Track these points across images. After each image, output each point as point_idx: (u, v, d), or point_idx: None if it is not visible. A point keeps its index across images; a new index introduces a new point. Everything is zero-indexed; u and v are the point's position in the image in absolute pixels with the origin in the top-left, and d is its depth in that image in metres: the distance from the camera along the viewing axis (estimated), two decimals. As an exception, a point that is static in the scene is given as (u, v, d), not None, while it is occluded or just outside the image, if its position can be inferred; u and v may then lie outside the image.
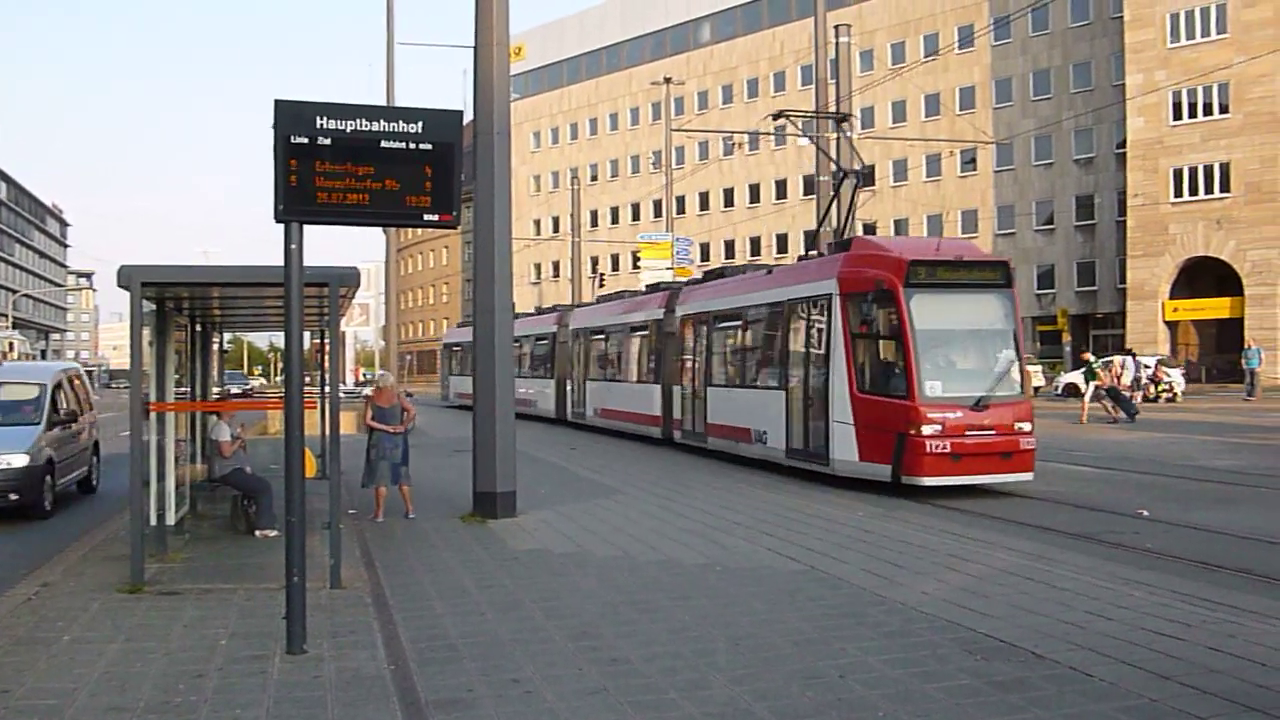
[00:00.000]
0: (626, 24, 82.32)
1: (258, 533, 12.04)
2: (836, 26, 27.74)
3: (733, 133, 60.29)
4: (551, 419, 33.19)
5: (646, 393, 25.46)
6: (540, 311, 39.89)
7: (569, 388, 32.26)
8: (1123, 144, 52.85)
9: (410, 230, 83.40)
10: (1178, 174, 49.52)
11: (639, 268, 49.11)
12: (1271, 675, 6.40)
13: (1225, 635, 7.33)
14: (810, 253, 19.99)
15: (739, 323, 20.48)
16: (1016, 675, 6.49)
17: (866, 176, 21.32)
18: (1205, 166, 48.60)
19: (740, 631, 7.64)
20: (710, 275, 24.28)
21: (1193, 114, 48.93)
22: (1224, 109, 47.88)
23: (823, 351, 16.32)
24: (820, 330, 16.50)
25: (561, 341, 33.15)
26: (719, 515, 13.36)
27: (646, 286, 30.62)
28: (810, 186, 44.97)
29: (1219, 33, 47.79)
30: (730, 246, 74.49)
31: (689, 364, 22.77)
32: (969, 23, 60.05)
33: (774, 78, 72.35)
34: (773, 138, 63.44)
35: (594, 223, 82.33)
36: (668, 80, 54.35)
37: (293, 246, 7.32)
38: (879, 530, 12.17)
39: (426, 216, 7.47)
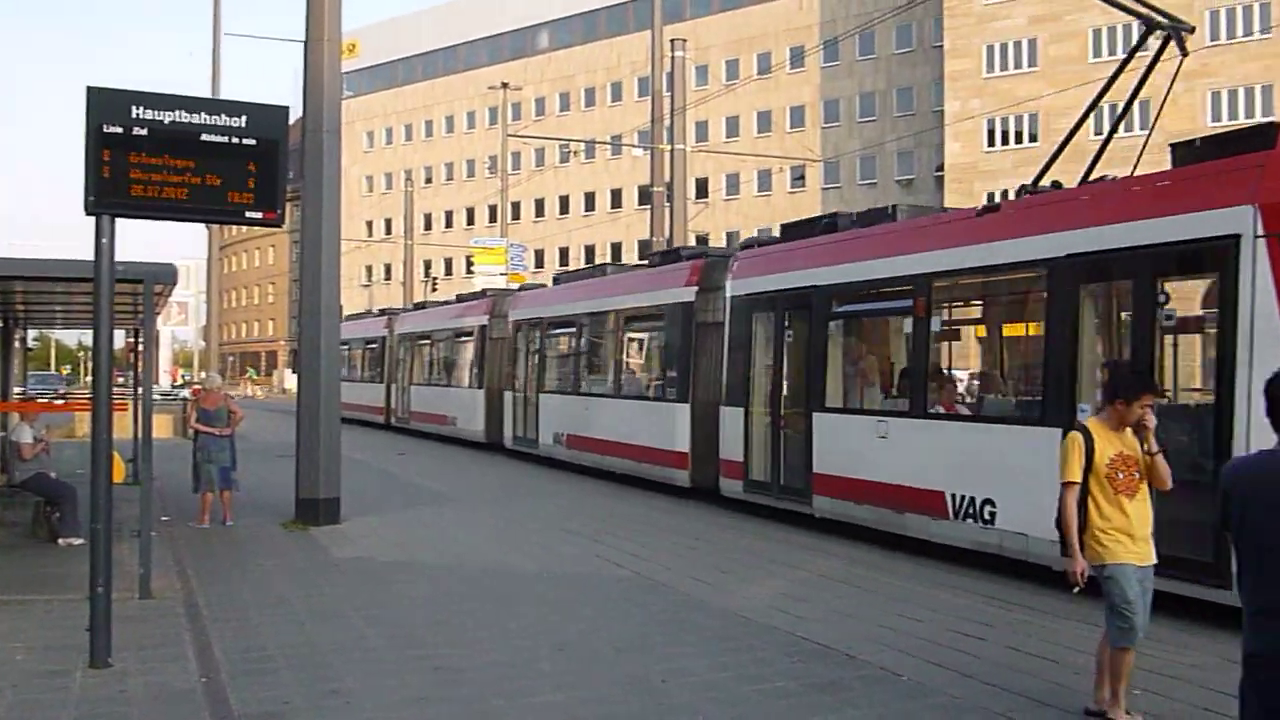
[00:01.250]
0: (464, 26, 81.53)
1: (61, 541, 11.40)
2: (672, 41, 28.16)
3: (570, 140, 60.40)
4: (381, 424, 32.38)
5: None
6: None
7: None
8: (941, 167, 55.27)
9: (234, 227, 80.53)
10: (990, 198, 51.96)
11: (472, 272, 48.69)
12: (1063, 671, 6.80)
13: (1023, 634, 7.77)
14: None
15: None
16: (832, 677, 6.71)
17: (700, 189, 21.64)
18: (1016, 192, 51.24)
19: (567, 638, 7.65)
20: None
21: (1005, 141, 51.55)
22: (1033, 138, 50.60)
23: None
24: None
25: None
26: (550, 522, 13.36)
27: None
28: (645, 197, 45.55)
29: (1030, 66, 50.54)
30: (565, 254, 74.57)
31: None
32: (800, 44, 61.83)
33: (611, 87, 72.88)
34: (609, 147, 63.92)
35: (427, 226, 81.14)
36: (505, 85, 54.14)
37: (104, 240, 6.98)
38: (708, 537, 12.39)
39: (249, 214, 7.23)
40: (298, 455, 13.25)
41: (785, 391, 13.53)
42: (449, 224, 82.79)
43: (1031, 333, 11.07)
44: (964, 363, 13.78)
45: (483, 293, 27.66)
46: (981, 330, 12.96)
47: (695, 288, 15.82)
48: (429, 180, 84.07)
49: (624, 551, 11.28)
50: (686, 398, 15.70)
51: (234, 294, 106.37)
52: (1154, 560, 5.90)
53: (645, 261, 19.97)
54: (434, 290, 61.25)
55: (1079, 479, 5.78)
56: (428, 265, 77.46)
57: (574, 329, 20.24)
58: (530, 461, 21.37)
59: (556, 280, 23.59)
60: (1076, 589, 5.83)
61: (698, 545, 11.82)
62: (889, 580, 9.85)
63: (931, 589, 9.45)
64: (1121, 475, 5.78)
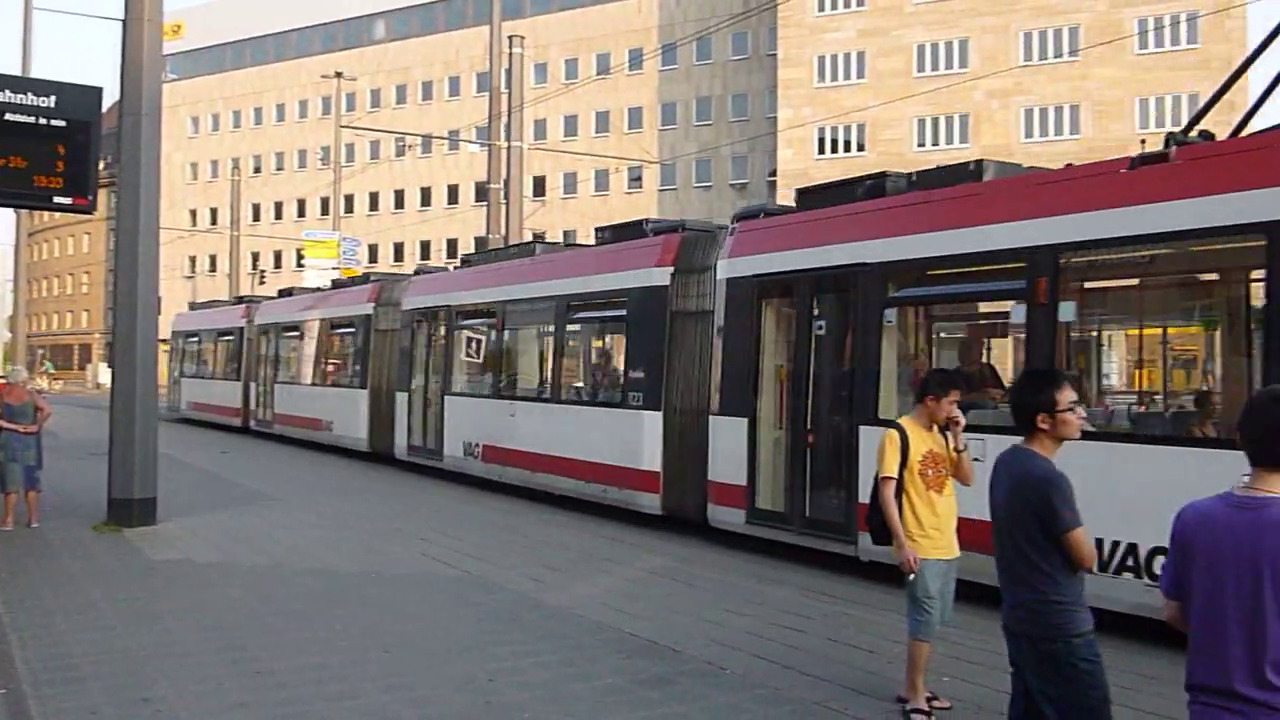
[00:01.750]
0: (297, 12, 79.12)
1: None
2: (511, 37, 28.01)
3: (405, 134, 59.40)
4: (238, 428, 28.63)
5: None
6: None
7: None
8: (774, 173, 56.63)
9: (45, 213, 76.16)
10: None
11: (303, 266, 47.36)
12: (877, 660, 7.09)
13: (842, 626, 8.06)
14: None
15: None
16: (659, 672, 6.82)
17: (538, 187, 20.97)
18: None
19: (394, 639, 7.55)
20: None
21: (834, 150, 53.17)
22: (861, 147, 52.36)
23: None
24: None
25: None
26: (381, 522, 13.13)
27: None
28: (482, 193, 45.23)
29: (859, 78, 52.30)
30: (400, 249, 73.29)
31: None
32: (639, 46, 62.39)
33: (449, 82, 71.99)
34: (445, 142, 63.10)
35: (256, 217, 78.44)
36: (339, 75, 52.77)
37: (-105, 224, 6.53)
38: (538, 535, 12.39)
39: (58, 200, 6.91)
40: (110, 453, 12.65)
41: (812, 400, 10.76)
42: (279, 215, 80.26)
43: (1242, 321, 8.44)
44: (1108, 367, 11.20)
45: (365, 277, 24.20)
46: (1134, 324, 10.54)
47: (670, 268, 12.91)
48: (258, 170, 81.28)
49: (454, 550, 11.18)
50: (658, 404, 12.92)
51: (44, 283, 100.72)
52: (957, 554, 6.21)
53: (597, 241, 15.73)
54: (262, 283, 59.32)
55: (895, 474, 6.06)
56: (255, 257, 74.88)
57: (494, 319, 16.74)
58: (432, 476, 18.23)
59: (466, 261, 19.79)
60: (911, 575, 6.09)
61: (529, 543, 11.81)
62: (717, 576, 10.05)
63: (758, 584, 9.69)
64: (931, 472, 6.08)
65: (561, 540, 12.04)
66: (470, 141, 54.56)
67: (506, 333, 16.73)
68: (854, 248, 10.30)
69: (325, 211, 70.22)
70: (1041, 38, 48.67)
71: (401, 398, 19.49)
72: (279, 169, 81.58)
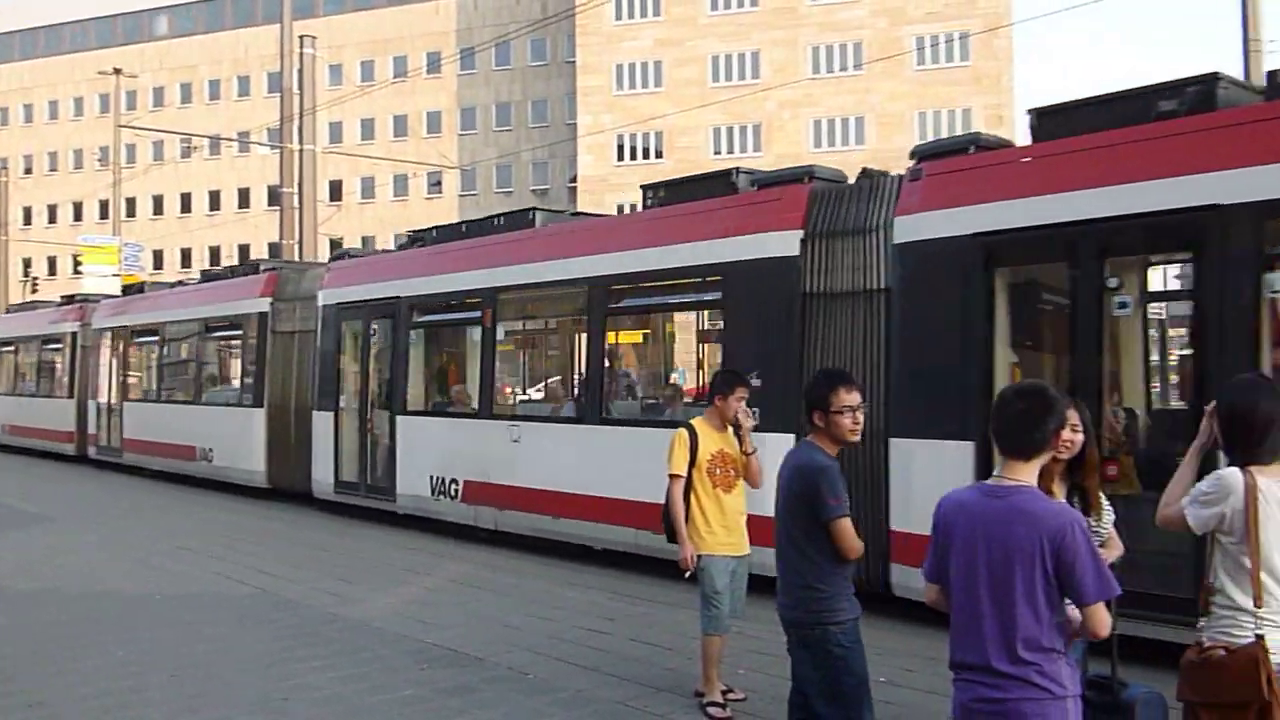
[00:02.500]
0: (71, 4, 74.66)
1: None
2: (303, 37, 27.23)
3: (191, 135, 56.81)
4: (72, 455, 23.21)
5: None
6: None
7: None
8: (575, 179, 56.97)
9: None
10: (621, 210, 54.37)
11: (80, 273, 44.69)
12: (677, 658, 7.26)
13: (643, 625, 8.20)
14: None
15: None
16: (461, 681, 6.78)
17: (334, 191, 19.82)
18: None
19: (184, 662, 7.24)
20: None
21: (633, 156, 53.94)
22: (659, 154, 53.29)
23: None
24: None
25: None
26: (165, 540, 12.54)
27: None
28: (275, 197, 43.71)
29: (656, 86, 53.24)
30: (187, 255, 70.04)
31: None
32: (437, 49, 61.66)
33: (238, 81, 69.32)
34: (235, 144, 60.74)
35: (27, 220, 73.46)
36: (118, 71, 50.03)
37: None
38: (335, 547, 12.11)
39: None
40: None
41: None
42: (53, 219, 75.43)
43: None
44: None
45: (255, 266, 18.56)
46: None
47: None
48: (29, 170, 76.17)
49: (247, 567, 10.80)
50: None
51: None
52: (747, 551, 6.41)
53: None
54: (34, 291, 55.59)
55: (684, 472, 6.22)
56: (27, 264, 70.15)
57: (479, 312, 12.70)
58: (377, 522, 13.89)
59: (418, 240, 14.98)
60: (688, 573, 6.26)
61: (324, 556, 11.52)
62: (519, 582, 10.07)
63: (560, 588, 9.76)
64: (720, 471, 6.26)
65: (359, 552, 11.80)
66: (261, 144, 52.68)
67: (500, 328, 12.73)
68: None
69: (104, 215, 66.44)
70: (828, 52, 50.72)
71: (323, 419, 15.05)
72: (52, 170, 76.73)
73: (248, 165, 67.82)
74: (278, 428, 16.26)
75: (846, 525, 4.39)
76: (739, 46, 52.02)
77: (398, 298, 13.82)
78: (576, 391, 11.97)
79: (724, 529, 6.26)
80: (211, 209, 70.61)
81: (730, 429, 6.40)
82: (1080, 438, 4.51)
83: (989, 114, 45.94)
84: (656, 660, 7.25)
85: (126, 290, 23.67)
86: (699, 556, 6.22)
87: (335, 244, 53.94)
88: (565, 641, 7.74)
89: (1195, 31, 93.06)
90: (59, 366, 24.26)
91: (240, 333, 17.56)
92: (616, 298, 11.16)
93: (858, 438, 4.58)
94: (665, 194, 11.21)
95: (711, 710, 6.09)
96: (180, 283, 22.95)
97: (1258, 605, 3.59)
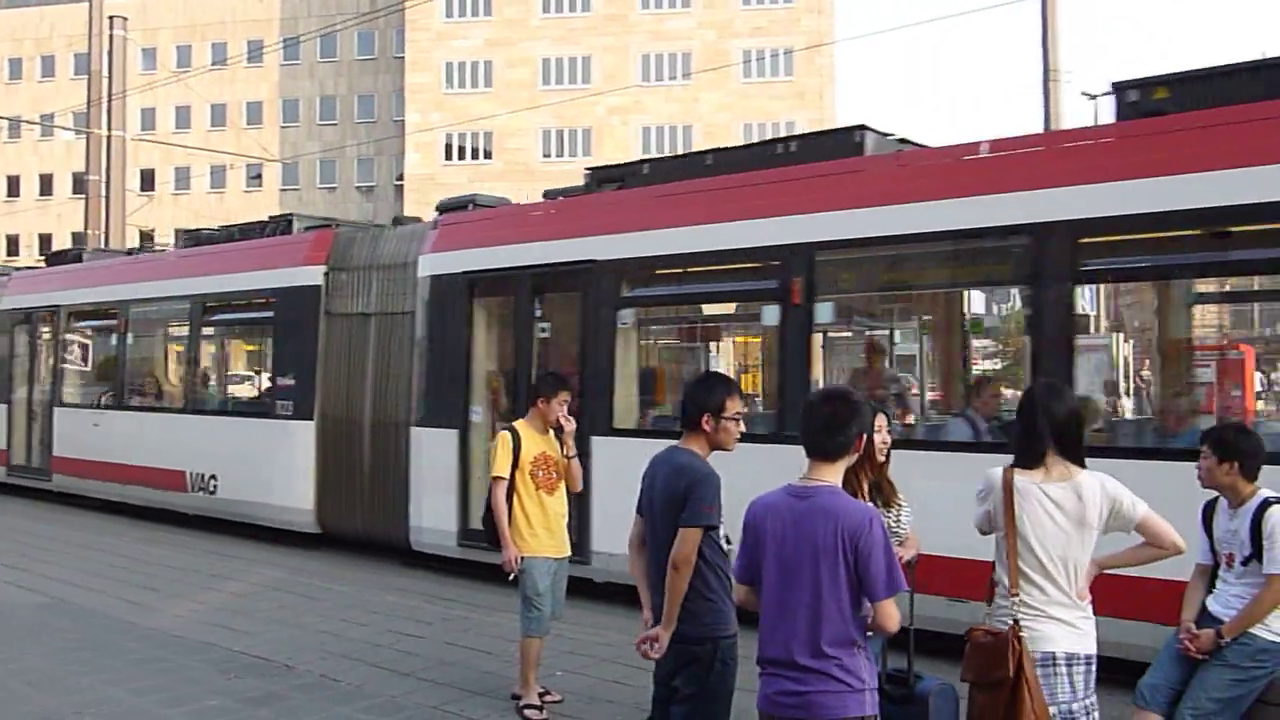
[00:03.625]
0: None
1: None
2: (113, 17, 25.94)
3: (-13, 115, 53.36)
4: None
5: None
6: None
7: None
8: (402, 176, 56.01)
9: None
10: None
11: None
12: (495, 661, 7.21)
13: (460, 629, 8.12)
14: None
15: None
16: (268, 689, 6.57)
17: (146, 181, 18.76)
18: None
19: (-38, 677, 6.78)
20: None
21: (461, 156, 53.39)
22: (488, 154, 52.94)
23: None
24: None
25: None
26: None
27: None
28: (81, 185, 41.10)
29: (486, 86, 52.84)
30: (-19, 243, 65.68)
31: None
32: (259, 38, 59.64)
33: (41, 60, 65.38)
34: (37, 128, 57.35)
35: None
36: (-97, 44, 46.58)
37: None
38: (136, 555, 11.56)
39: None
40: None
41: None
42: None
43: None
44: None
45: (288, 223, 13.66)
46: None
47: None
48: None
49: (41, 575, 10.20)
50: None
51: None
52: (567, 553, 6.45)
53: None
54: None
55: (506, 474, 6.20)
56: None
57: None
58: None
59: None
60: (511, 575, 6.24)
61: (125, 563, 10.98)
62: (334, 587, 9.82)
63: (377, 592, 9.57)
64: (543, 473, 6.28)
65: (162, 559, 11.29)
66: (65, 128, 49.91)
67: None
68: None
69: (-114, 198, 61.94)
70: (658, 60, 51.40)
71: (435, 438, 10.48)
72: None
73: (51, 150, 64.06)
74: (336, 449, 11.75)
75: (690, 534, 4.17)
76: (570, 50, 52.18)
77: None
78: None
79: (546, 531, 6.26)
80: (10, 195, 66.38)
81: (552, 432, 6.42)
82: (890, 439, 4.74)
83: (811, 127, 47.42)
84: (473, 664, 7.19)
85: (52, 260, 18.60)
86: (521, 558, 6.21)
87: (146, 235, 51.56)
88: (380, 647, 7.59)
89: (1003, 58, 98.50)
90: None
91: (270, 315, 12.86)
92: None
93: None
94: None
95: (529, 713, 6.09)
96: (141, 248, 19.62)
97: (1012, 594, 3.84)
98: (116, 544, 12.23)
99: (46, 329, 16.52)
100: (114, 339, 15.43)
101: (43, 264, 19.21)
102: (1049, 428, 3.88)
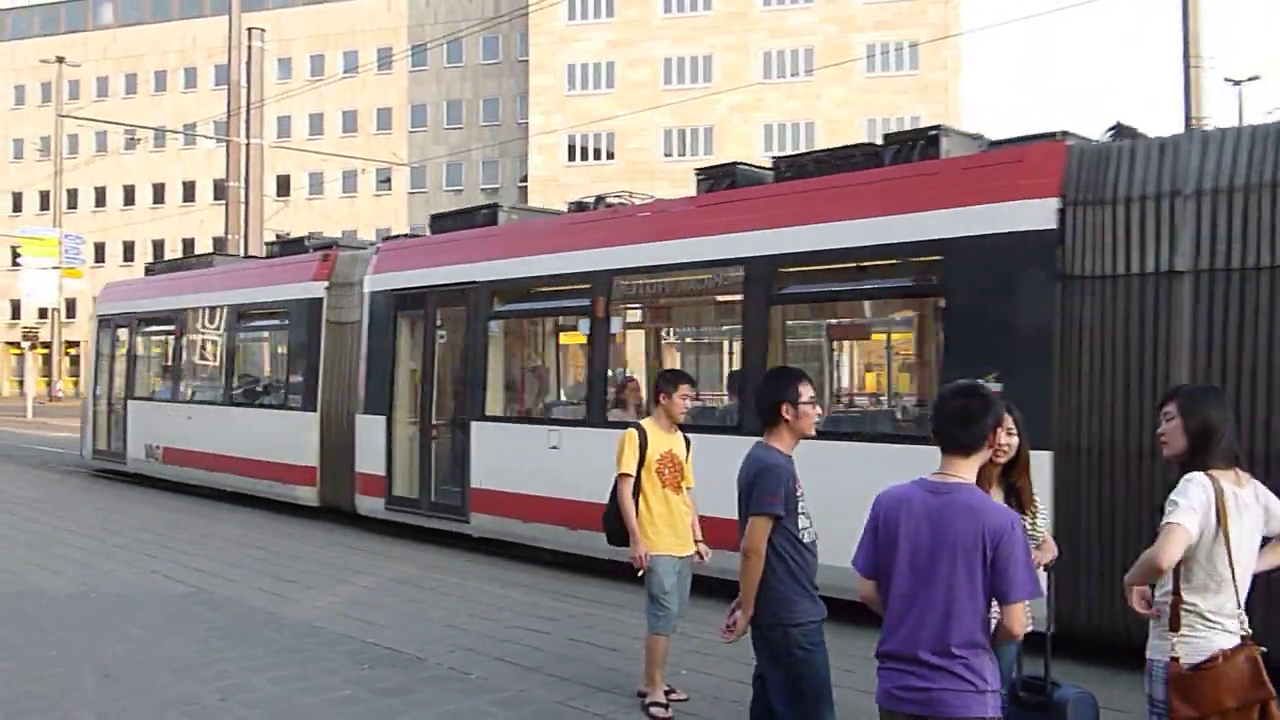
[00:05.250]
0: (11, -9, 73.15)
1: None
2: (251, 29, 26.94)
3: (136, 126, 56.04)
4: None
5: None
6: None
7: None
8: (525, 178, 56.84)
9: None
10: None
11: (19, 265, 43.80)
12: (618, 658, 7.24)
13: (585, 626, 8.17)
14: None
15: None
16: (399, 680, 6.72)
17: (281, 186, 19.95)
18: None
19: (114, 662, 7.10)
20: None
21: (584, 157, 53.94)
22: (610, 155, 53.34)
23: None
24: None
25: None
26: (99, 537, 12.31)
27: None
28: (221, 191, 42.84)
29: (607, 87, 53.26)
30: (130, 248, 68.91)
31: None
32: (388, 45, 61.22)
33: (185, 73, 68.28)
34: (180, 137, 59.88)
35: (-38, 210, 71.93)
36: (60, 59, 49.18)
37: None
38: (273, 547, 11.95)
39: None
40: None
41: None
42: (-11, 210, 73.86)
43: None
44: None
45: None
46: None
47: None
48: (-35, 160, 74.52)
49: (182, 565, 10.63)
50: None
51: None
52: (691, 551, 6.41)
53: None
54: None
55: (634, 471, 6.22)
56: (-38, 255, 68.57)
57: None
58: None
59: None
60: (641, 572, 6.26)
61: (263, 555, 11.37)
62: (461, 582, 9.99)
63: (502, 588, 9.70)
64: (669, 471, 6.28)
65: (298, 552, 11.66)
66: (207, 136, 52.01)
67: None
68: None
69: (45, 207, 65.35)
70: (779, 57, 51.03)
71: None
72: (-10, 159, 75.10)
73: (193, 158, 66.88)
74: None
75: (756, 523, 4.41)
76: (690, 50, 52.20)
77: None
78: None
79: (670, 529, 6.26)
80: (155, 202, 69.52)
81: (677, 430, 6.41)
82: (1016, 440, 4.58)
83: (936, 120, 46.45)
84: (597, 660, 7.22)
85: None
86: (649, 556, 6.21)
87: (280, 237, 53.26)
88: (506, 642, 7.69)
89: (1139, 48, 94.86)
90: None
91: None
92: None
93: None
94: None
95: (654, 710, 6.08)
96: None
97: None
98: (248, 535, 12.67)
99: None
100: None
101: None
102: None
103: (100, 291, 20.83)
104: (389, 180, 62.49)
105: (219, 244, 24.95)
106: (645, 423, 6.44)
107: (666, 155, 51.58)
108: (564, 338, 12.88)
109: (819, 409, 4.71)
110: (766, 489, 4.37)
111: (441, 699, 6.35)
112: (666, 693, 6.24)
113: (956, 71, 49.68)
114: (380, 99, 63.10)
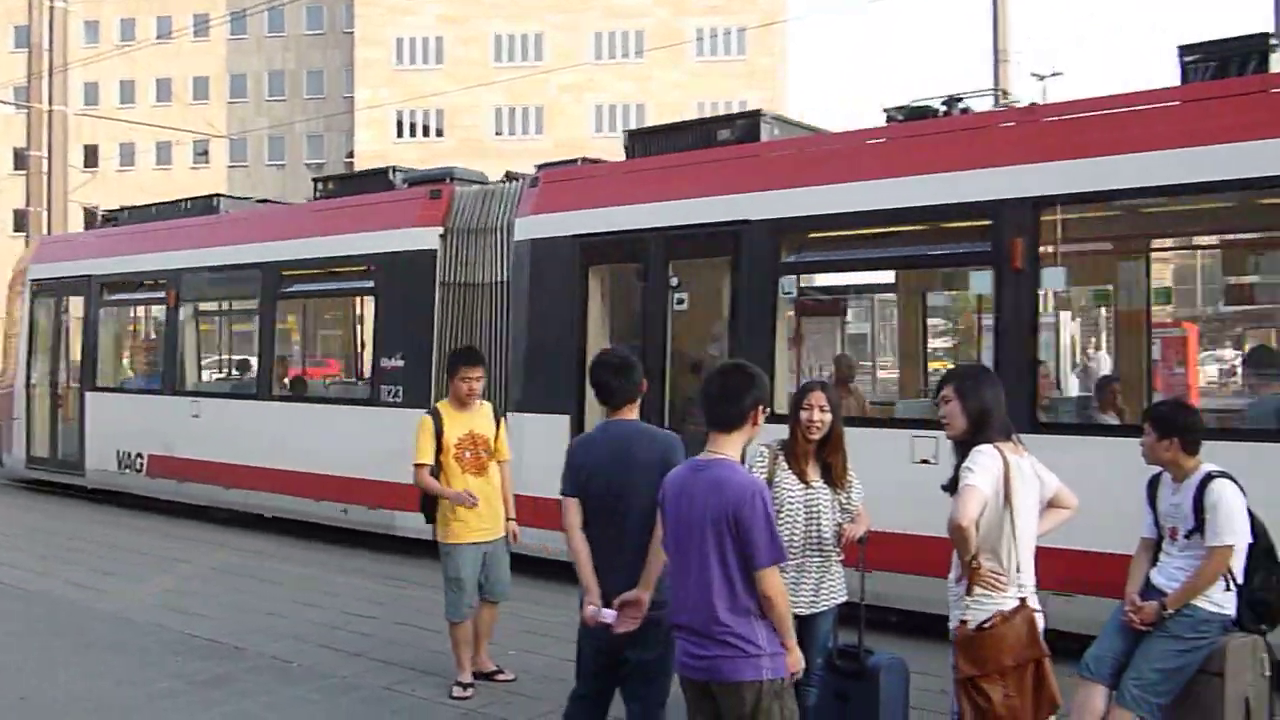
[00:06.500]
0: None
1: None
2: (54, -10, 25.33)
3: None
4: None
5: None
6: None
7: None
8: (352, 154, 55.41)
9: None
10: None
11: None
12: (447, 640, 7.20)
13: (414, 610, 8.11)
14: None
15: None
16: (220, 671, 6.56)
17: (89, 157, 17.76)
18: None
19: (-94, 663, 6.70)
20: None
21: (413, 133, 52.94)
22: (439, 132, 52.51)
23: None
24: None
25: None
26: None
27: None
28: (22, 160, 40.08)
29: (437, 63, 52.37)
30: (-82, 220, 64.11)
31: None
32: (205, 11, 58.60)
33: (-20, 34, 63.88)
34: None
35: None
36: None
37: None
38: (91, 537, 11.43)
39: None
40: None
41: None
42: None
43: None
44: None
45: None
46: None
47: None
48: None
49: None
50: None
51: None
52: (500, 535, 6.28)
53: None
54: None
55: (429, 460, 6.13)
56: None
57: None
58: None
59: None
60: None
61: (79, 545, 10.87)
62: (287, 569, 9.79)
63: (331, 574, 9.55)
64: (469, 454, 6.14)
65: (117, 541, 11.18)
66: (6, 102, 48.75)
67: None
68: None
69: None
70: (611, 38, 51.19)
71: None
72: None
73: (-12, 125, 62.62)
74: None
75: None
76: (522, 28, 51.84)
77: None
78: None
79: (474, 515, 6.11)
80: (-51, 170, 64.85)
81: (484, 405, 6.32)
82: (829, 417, 4.77)
83: (764, 107, 47.43)
84: (425, 644, 7.19)
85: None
86: (445, 544, 6.17)
87: (90, 213, 50.60)
88: (333, 628, 7.59)
89: (951, 40, 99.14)
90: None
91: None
92: None
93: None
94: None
95: (454, 691, 6.13)
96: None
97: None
98: (65, 526, 12.09)
99: None
100: None
101: None
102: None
103: (33, 249, 15.96)
104: (206, 153, 59.97)
105: (20, 217, 23.32)
106: (441, 405, 6.26)
107: (498, 134, 51.14)
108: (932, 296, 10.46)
109: None
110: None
111: (264, 688, 6.24)
112: (492, 674, 6.28)
113: (783, 58, 50.88)
114: (197, 67, 60.40)
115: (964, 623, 3.98)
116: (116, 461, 13.14)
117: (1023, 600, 3.96)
